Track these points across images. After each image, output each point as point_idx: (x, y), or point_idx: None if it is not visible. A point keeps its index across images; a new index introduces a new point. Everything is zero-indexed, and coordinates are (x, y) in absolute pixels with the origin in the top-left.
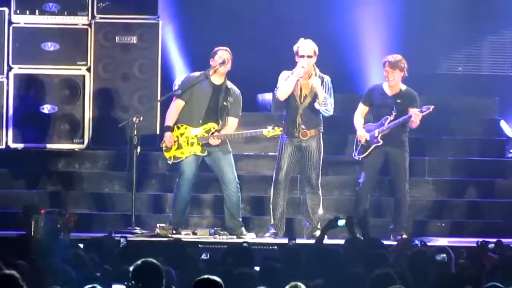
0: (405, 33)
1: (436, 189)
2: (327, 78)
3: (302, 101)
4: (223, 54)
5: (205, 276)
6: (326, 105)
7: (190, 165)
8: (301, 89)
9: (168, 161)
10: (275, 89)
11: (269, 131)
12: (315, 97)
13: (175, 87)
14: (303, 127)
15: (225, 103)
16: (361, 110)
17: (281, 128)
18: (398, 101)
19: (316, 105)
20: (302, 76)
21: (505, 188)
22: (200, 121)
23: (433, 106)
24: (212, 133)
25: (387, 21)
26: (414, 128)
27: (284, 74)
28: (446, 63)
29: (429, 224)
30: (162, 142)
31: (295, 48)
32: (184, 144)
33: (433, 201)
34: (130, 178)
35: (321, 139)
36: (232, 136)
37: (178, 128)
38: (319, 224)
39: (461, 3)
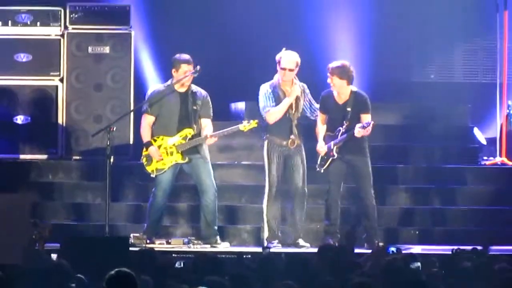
0: (377, 41)
1: (409, 197)
2: (305, 86)
3: (294, 111)
4: (187, 70)
5: (117, 270)
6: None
7: (167, 174)
8: (293, 101)
9: (152, 175)
10: (263, 109)
11: (244, 125)
12: (303, 107)
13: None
14: (293, 137)
15: (194, 107)
16: (321, 118)
17: (256, 121)
18: (348, 109)
19: (314, 118)
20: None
21: (478, 195)
22: (175, 132)
23: (372, 122)
24: (190, 138)
25: (360, 29)
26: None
27: (264, 89)
28: (419, 71)
29: (402, 232)
30: (142, 157)
31: (277, 57)
32: (164, 154)
33: (406, 209)
34: (105, 188)
35: (303, 148)
36: (213, 137)
37: (155, 140)
38: (301, 233)
39: (433, 11)
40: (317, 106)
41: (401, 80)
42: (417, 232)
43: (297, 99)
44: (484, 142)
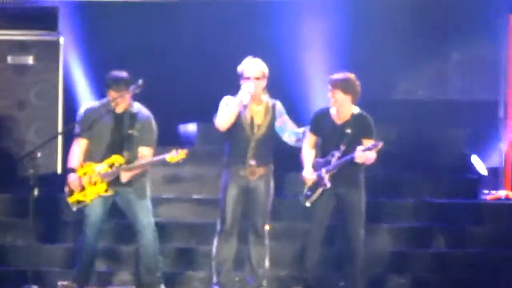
0: (354, 52)
1: (394, 238)
2: (278, 104)
3: (254, 131)
4: (116, 96)
5: None
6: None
7: (95, 208)
8: (252, 118)
9: (72, 208)
10: (214, 116)
11: (172, 156)
12: (269, 127)
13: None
14: (253, 163)
15: (130, 132)
16: (310, 140)
17: (185, 151)
18: (348, 131)
19: (294, 143)
20: (247, 103)
21: (477, 236)
22: (103, 158)
23: (381, 143)
24: (117, 167)
25: (334, 39)
26: (369, 164)
27: (224, 100)
28: (404, 87)
29: (387, 279)
30: (66, 186)
31: (239, 69)
32: (87, 184)
33: (390, 252)
34: (28, 227)
35: (272, 179)
36: (133, 168)
37: (82, 167)
38: (265, 281)
39: (420, 19)
40: (299, 130)
41: (383, 97)
42: (403, 281)
43: (255, 117)
44: (484, 172)
